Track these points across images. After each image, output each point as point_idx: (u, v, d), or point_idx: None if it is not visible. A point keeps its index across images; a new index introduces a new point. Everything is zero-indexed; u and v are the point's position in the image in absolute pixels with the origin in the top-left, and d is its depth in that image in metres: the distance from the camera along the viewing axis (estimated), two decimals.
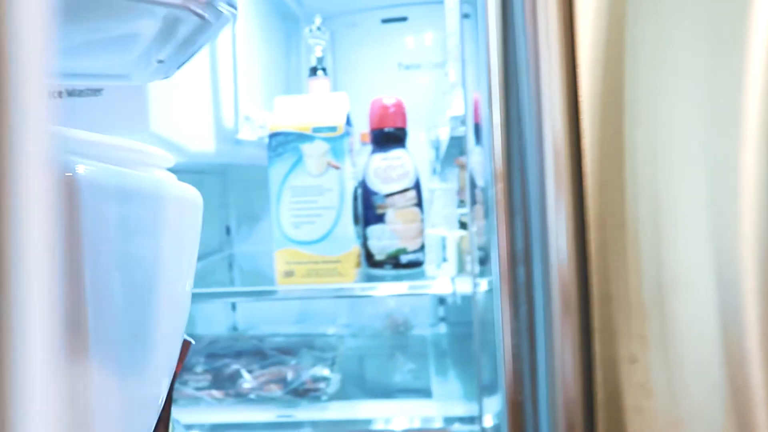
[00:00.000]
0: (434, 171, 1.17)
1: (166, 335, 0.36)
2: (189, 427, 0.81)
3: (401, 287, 0.76)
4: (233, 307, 1.24)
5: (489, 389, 0.79)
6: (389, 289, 0.75)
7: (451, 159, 1.03)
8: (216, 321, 1.18)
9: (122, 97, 0.54)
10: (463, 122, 0.70)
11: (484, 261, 0.49)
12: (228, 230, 1.23)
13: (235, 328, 1.22)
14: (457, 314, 1.22)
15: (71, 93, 0.55)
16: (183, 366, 0.84)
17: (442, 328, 1.21)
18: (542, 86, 0.31)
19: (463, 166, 1.00)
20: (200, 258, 1.05)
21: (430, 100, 1.15)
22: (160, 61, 0.37)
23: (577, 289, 0.31)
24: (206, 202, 1.25)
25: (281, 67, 1.10)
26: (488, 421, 0.77)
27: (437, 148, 1.10)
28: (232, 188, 1.23)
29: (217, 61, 0.70)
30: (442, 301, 1.22)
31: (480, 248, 0.50)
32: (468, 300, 0.88)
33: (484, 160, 0.46)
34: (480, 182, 0.50)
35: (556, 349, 0.32)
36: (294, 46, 1.16)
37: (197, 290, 0.83)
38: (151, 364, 0.34)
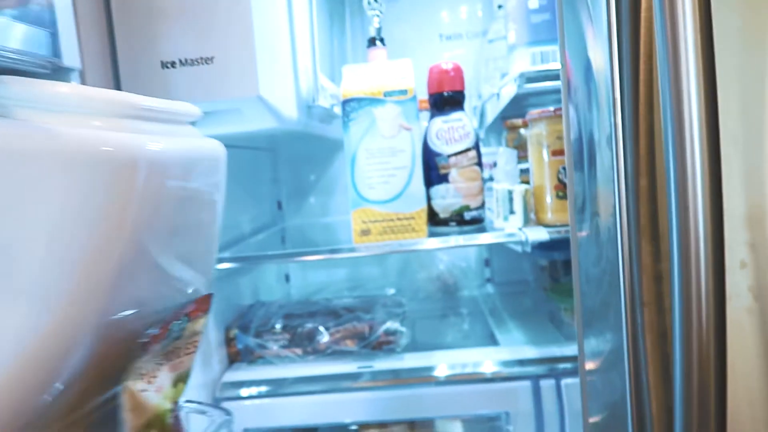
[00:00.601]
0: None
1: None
2: (270, 382, 0.86)
3: (490, 237, 0.81)
4: (287, 278, 1.29)
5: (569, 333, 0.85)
6: (483, 239, 0.82)
7: (499, 122, 1.07)
8: (273, 291, 1.23)
9: (233, 63, 0.58)
10: (529, 80, 0.74)
11: (579, 208, 0.54)
12: (279, 205, 1.28)
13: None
14: (502, 275, 1.27)
15: (184, 63, 0.59)
16: (263, 329, 0.89)
17: (489, 289, 1.26)
18: (678, 29, 0.35)
19: (512, 128, 1.04)
20: (257, 232, 1.10)
21: (471, 69, 1.19)
22: None
23: (711, 204, 0.36)
24: (260, 178, 1.30)
25: (327, 45, 1.14)
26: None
27: (482, 115, 1.15)
28: (282, 164, 1.28)
29: (295, 31, 0.74)
30: (488, 262, 1.27)
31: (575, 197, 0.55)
32: (522, 256, 0.93)
33: (582, 113, 0.50)
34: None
35: (692, 253, 0.37)
36: (337, 24, 1.20)
37: (277, 253, 0.87)
38: None
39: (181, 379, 0.46)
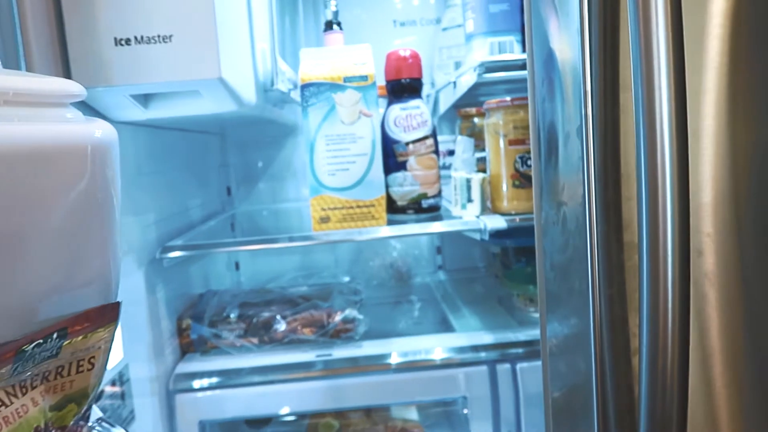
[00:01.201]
0: None
1: None
2: (225, 373, 0.84)
3: (449, 225, 0.82)
4: (236, 266, 1.26)
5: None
6: (442, 227, 0.82)
7: (453, 111, 1.08)
8: (222, 279, 1.20)
9: (193, 42, 0.56)
10: (488, 69, 0.75)
11: (540, 197, 0.55)
12: (229, 191, 1.24)
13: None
14: (453, 262, 1.29)
15: (140, 40, 0.56)
16: (218, 318, 0.87)
17: (441, 276, 1.28)
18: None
19: (466, 117, 1.05)
20: (206, 219, 1.07)
21: (423, 56, 1.19)
22: None
23: (677, 191, 0.38)
24: (208, 163, 1.26)
25: (280, 27, 1.11)
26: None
27: (435, 103, 1.15)
28: (231, 148, 1.24)
29: (253, 11, 0.72)
30: (439, 249, 1.29)
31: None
32: (473, 243, 0.94)
33: (544, 104, 0.51)
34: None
35: (660, 236, 0.38)
36: (290, 6, 1.17)
37: (233, 240, 0.85)
38: None
39: (73, 400, 0.40)
